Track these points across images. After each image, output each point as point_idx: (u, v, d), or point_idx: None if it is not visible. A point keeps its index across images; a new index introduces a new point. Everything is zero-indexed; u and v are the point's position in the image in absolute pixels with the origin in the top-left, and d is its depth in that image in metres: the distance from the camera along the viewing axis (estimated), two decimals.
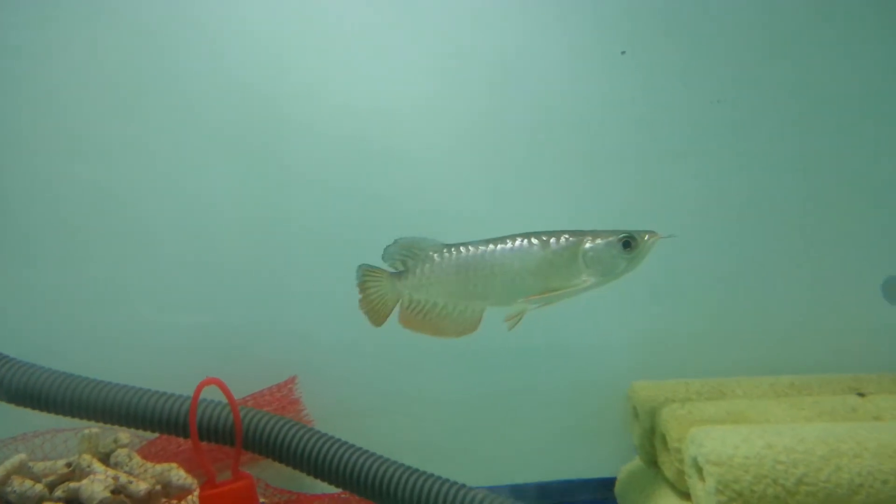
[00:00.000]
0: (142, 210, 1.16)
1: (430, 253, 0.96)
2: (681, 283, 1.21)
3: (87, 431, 1.03)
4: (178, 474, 1.02)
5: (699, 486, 0.90)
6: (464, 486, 0.90)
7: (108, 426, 0.98)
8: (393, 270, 0.98)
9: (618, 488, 1.18)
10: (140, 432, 1.02)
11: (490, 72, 1.19)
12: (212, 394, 0.91)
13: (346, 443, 0.90)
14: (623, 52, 1.19)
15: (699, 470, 0.89)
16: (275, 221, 1.18)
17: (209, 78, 1.16)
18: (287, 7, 1.17)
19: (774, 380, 1.13)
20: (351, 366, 1.19)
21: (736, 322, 1.21)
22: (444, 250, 0.96)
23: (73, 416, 0.93)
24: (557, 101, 1.19)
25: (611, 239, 0.94)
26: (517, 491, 1.20)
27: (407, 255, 0.97)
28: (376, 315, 0.98)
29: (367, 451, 0.89)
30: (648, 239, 0.94)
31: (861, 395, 1.03)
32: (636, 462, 1.17)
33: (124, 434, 1.05)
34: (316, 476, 0.88)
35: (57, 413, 0.93)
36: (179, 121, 1.16)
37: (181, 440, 1.04)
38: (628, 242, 0.93)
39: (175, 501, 0.95)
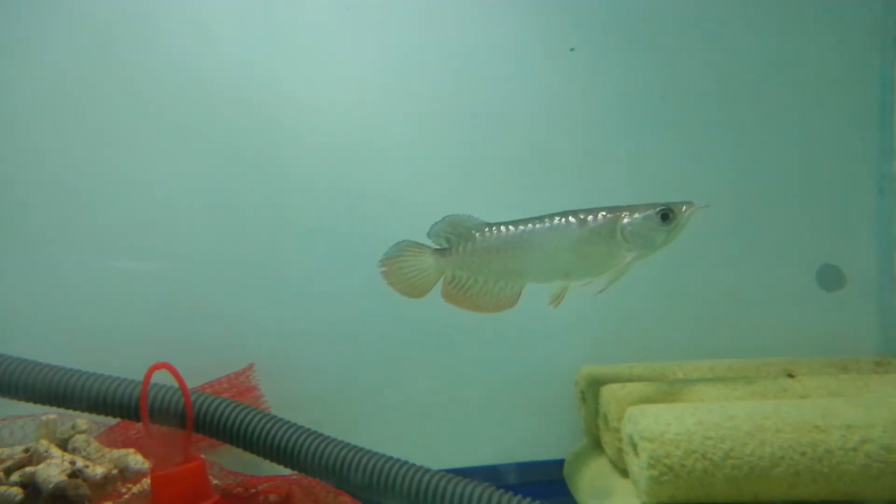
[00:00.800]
0: (97, 199, 1.17)
1: (472, 231, 1.00)
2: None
3: (44, 417, 1.04)
4: (136, 459, 1.04)
5: (635, 462, 0.94)
6: (417, 466, 0.92)
7: (67, 412, 1.01)
8: (437, 247, 1.01)
9: (565, 469, 1.22)
10: (100, 419, 1.04)
11: (443, 66, 1.22)
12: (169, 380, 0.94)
13: (295, 424, 0.93)
14: (572, 49, 1.23)
15: (635, 447, 0.94)
16: (235, 210, 1.19)
17: (166, 72, 1.18)
18: (249, 4, 1.19)
19: (714, 363, 1.18)
20: (309, 354, 1.22)
21: (680, 309, 1.26)
22: (486, 229, 0.99)
23: (27, 400, 0.94)
24: (508, 95, 1.22)
25: (649, 212, 0.96)
26: (470, 473, 1.22)
27: (451, 233, 1.00)
28: (415, 289, 1.01)
29: (317, 433, 0.92)
30: (686, 210, 0.96)
31: (791, 376, 1.08)
32: (584, 443, 1.21)
33: (82, 420, 1.07)
34: (265, 457, 0.91)
35: (11, 397, 0.94)
36: (136, 114, 1.17)
37: (140, 426, 1.06)
38: (666, 215, 0.95)
39: (130, 485, 0.97)
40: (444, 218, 1.00)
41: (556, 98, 1.23)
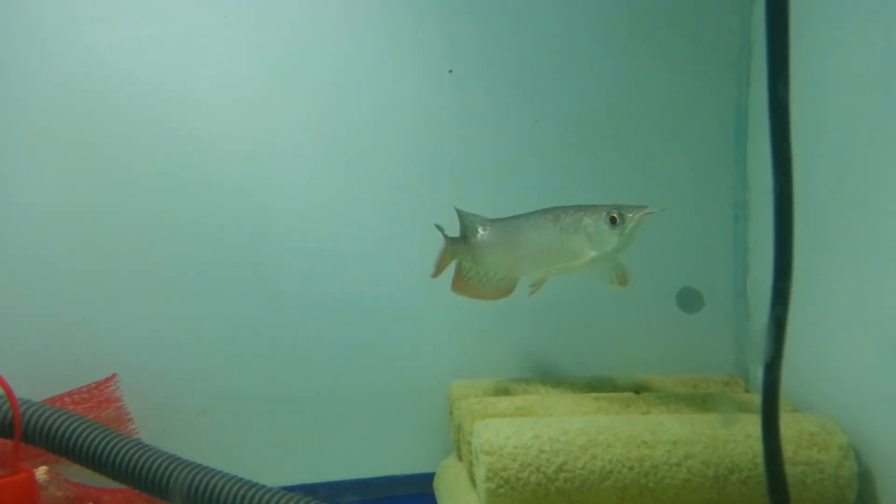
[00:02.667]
0: None
1: (476, 225, 1.08)
2: None
3: None
4: None
5: (478, 474, 0.97)
6: (243, 481, 0.91)
7: None
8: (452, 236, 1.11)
9: (434, 482, 1.25)
10: None
11: (321, 77, 1.23)
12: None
13: (125, 438, 0.92)
14: (451, 71, 1.27)
15: (478, 459, 0.97)
16: (98, 216, 1.17)
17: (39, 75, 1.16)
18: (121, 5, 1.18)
19: (575, 379, 1.23)
20: (177, 365, 1.20)
21: (550, 327, 1.29)
22: (488, 225, 1.08)
23: None
24: (383, 111, 1.25)
25: (600, 214, 0.97)
26: (338, 487, 1.24)
27: (466, 225, 1.09)
28: (435, 268, 1.11)
29: (146, 446, 0.92)
30: (633, 215, 0.95)
31: (637, 392, 1.13)
32: (452, 456, 1.24)
33: None
34: (97, 471, 0.90)
35: None
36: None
37: None
38: (613, 219, 0.96)
39: None
40: (457, 211, 1.09)
41: (433, 116, 1.26)
